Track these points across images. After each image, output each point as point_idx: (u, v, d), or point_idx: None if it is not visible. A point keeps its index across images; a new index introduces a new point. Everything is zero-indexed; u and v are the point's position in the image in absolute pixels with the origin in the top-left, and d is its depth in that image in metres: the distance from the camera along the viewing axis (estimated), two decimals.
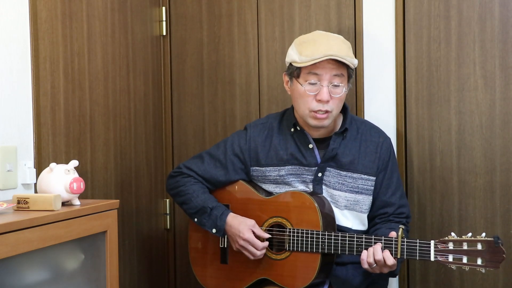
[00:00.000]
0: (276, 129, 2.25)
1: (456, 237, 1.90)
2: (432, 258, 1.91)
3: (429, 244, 1.91)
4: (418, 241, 1.93)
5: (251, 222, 2.14)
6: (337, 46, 2.08)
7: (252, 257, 2.13)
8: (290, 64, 2.14)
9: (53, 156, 2.10)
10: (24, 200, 1.69)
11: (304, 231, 2.08)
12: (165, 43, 2.81)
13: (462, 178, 2.37)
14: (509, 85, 2.31)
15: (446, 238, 1.91)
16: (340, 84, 2.09)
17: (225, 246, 2.25)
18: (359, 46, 2.49)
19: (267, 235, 2.13)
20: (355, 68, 2.42)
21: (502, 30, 2.31)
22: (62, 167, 1.79)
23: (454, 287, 2.39)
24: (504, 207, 2.32)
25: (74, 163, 1.82)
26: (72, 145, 2.20)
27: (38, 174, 1.95)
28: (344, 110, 2.22)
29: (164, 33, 2.79)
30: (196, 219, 2.23)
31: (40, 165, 2.02)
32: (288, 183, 2.18)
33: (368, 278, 2.17)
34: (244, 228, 2.13)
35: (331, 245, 2.04)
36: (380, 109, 2.48)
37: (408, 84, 2.44)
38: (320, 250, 2.05)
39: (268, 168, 2.22)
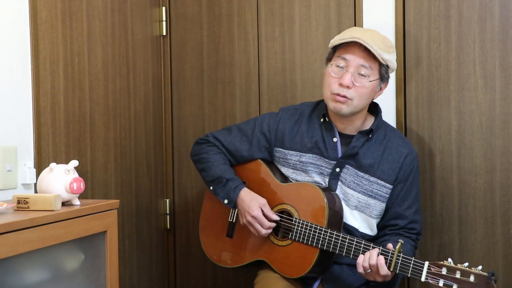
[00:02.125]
0: (306, 116, 2.27)
1: (451, 263, 1.88)
2: (423, 279, 1.90)
3: (423, 264, 1.91)
4: (413, 259, 1.93)
5: (262, 201, 2.18)
6: (370, 36, 2.10)
7: (257, 234, 2.16)
8: (330, 49, 2.19)
9: (53, 156, 2.10)
10: (24, 200, 1.69)
11: (309, 224, 2.09)
12: (165, 43, 2.81)
13: (462, 178, 2.37)
14: (509, 85, 2.31)
15: (441, 262, 1.89)
16: (367, 76, 2.10)
17: (234, 220, 2.28)
18: None
19: (276, 217, 2.16)
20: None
21: (502, 30, 2.31)
22: (62, 167, 1.79)
23: None
24: (504, 207, 2.32)
25: (74, 163, 1.82)
26: (72, 145, 2.20)
27: (38, 174, 1.95)
28: (376, 112, 2.23)
29: (164, 33, 2.79)
30: (211, 188, 2.27)
31: (40, 165, 2.02)
32: (306, 171, 2.20)
33: (361, 279, 2.17)
34: (254, 205, 2.16)
35: (331, 243, 2.05)
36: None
37: (408, 84, 2.44)
38: (319, 246, 2.07)
39: (290, 152, 2.23)
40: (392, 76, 2.46)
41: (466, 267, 1.86)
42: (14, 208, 1.70)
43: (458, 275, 1.86)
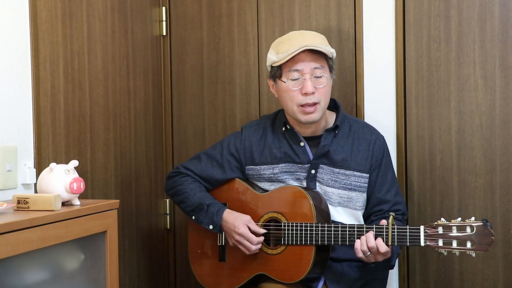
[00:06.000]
0: (269, 129, 2.29)
1: (445, 221, 1.91)
2: (422, 243, 1.93)
3: (419, 229, 1.93)
4: (408, 227, 1.96)
5: (246, 218, 2.17)
6: (311, 38, 2.13)
7: (247, 252, 2.15)
8: (271, 66, 2.18)
9: (53, 156, 2.10)
10: (24, 200, 1.69)
11: (298, 224, 2.09)
12: (165, 43, 2.81)
13: (462, 178, 2.37)
14: (509, 85, 2.31)
15: (436, 223, 1.93)
16: (324, 75, 2.12)
17: (223, 244, 2.26)
18: (359, 46, 2.49)
19: (262, 230, 2.15)
20: (355, 69, 2.44)
21: (502, 30, 2.31)
22: (62, 167, 1.79)
23: (454, 287, 2.39)
24: (504, 207, 2.32)
25: (74, 163, 1.82)
26: (72, 145, 2.20)
27: (38, 174, 1.95)
28: (336, 108, 2.26)
29: (164, 33, 2.79)
30: (193, 217, 2.26)
31: (40, 165, 2.02)
32: (282, 180, 2.21)
33: (363, 276, 2.18)
34: (239, 223, 2.15)
35: (324, 236, 2.05)
36: (380, 109, 2.48)
37: (408, 84, 2.44)
38: (314, 242, 2.07)
39: (262, 167, 2.24)
40: (392, 76, 2.46)
41: (460, 221, 1.90)
42: (14, 208, 1.70)
43: (454, 231, 1.90)
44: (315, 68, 2.11)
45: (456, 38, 2.37)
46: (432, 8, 2.40)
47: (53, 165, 1.77)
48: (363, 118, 2.48)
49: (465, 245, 1.88)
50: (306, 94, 2.10)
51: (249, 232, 2.14)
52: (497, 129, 2.32)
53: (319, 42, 2.13)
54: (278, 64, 2.13)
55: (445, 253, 1.93)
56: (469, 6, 2.35)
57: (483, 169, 2.34)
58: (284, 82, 2.14)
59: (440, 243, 1.91)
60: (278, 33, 2.63)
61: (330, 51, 2.15)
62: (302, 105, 2.12)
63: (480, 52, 2.34)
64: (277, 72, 2.16)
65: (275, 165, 2.22)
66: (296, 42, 2.11)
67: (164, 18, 2.79)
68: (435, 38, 2.40)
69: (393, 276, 2.45)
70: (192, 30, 2.78)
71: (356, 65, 2.49)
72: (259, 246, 2.15)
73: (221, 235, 2.26)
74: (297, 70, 2.11)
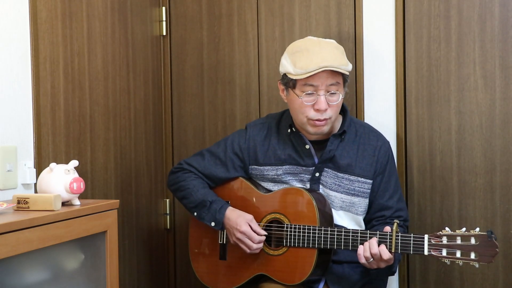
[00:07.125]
0: (274, 129, 2.28)
1: (450, 231, 1.91)
2: (426, 252, 1.92)
3: (423, 238, 1.92)
4: (412, 235, 1.94)
5: (249, 217, 2.17)
6: (331, 55, 2.08)
7: (248, 251, 2.15)
8: (285, 74, 2.14)
9: (53, 156, 2.10)
10: (24, 200, 1.69)
11: (301, 227, 2.09)
12: (165, 43, 2.81)
13: (462, 178, 2.37)
14: (509, 85, 2.31)
15: (440, 232, 1.92)
16: (337, 92, 2.10)
17: (224, 242, 2.26)
18: (359, 46, 2.49)
19: (263, 232, 2.15)
20: (354, 69, 2.46)
21: (502, 30, 2.31)
22: (62, 167, 1.79)
23: (454, 287, 2.39)
24: (504, 207, 2.32)
25: (74, 163, 1.82)
26: (72, 145, 2.20)
27: (38, 174, 1.95)
28: (343, 112, 2.24)
29: (164, 33, 2.79)
30: (195, 213, 2.25)
31: (40, 165, 2.02)
32: (286, 182, 2.20)
33: (364, 277, 2.18)
34: (241, 221, 2.15)
35: (327, 240, 2.05)
36: (380, 109, 2.48)
37: (408, 84, 2.44)
38: (316, 246, 2.06)
39: (266, 167, 2.23)
40: (392, 76, 2.46)
41: (464, 231, 1.89)
42: (14, 208, 1.70)
43: (459, 241, 1.89)
44: (330, 84, 2.08)
45: (456, 38, 2.37)
46: (432, 8, 2.40)
47: (53, 165, 1.78)
48: (363, 118, 2.48)
49: (469, 256, 1.87)
50: (319, 111, 2.08)
51: (251, 230, 2.14)
52: (497, 129, 2.32)
53: (339, 61, 2.07)
54: (294, 77, 2.09)
55: (448, 263, 1.92)
56: (469, 6, 2.35)
57: (483, 169, 2.34)
58: (298, 96, 2.10)
59: (444, 252, 1.90)
60: (278, 33, 2.63)
61: (348, 69, 2.10)
62: (313, 120, 2.10)
63: (480, 52, 2.34)
64: (290, 82, 2.12)
65: (279, 167, 2.21)
66: (315, 59, 2.05)
67: (164, 18, 2.79)
68: (435, 38, 2.40)
69: (393, 276, 2.45)
70: (192, 30, 2.78)
71: (356, 65, 2.49)
72: (261, 245, 2.15)
73: (222, 233, 2.26)
74: (312, 85, 2.07)
